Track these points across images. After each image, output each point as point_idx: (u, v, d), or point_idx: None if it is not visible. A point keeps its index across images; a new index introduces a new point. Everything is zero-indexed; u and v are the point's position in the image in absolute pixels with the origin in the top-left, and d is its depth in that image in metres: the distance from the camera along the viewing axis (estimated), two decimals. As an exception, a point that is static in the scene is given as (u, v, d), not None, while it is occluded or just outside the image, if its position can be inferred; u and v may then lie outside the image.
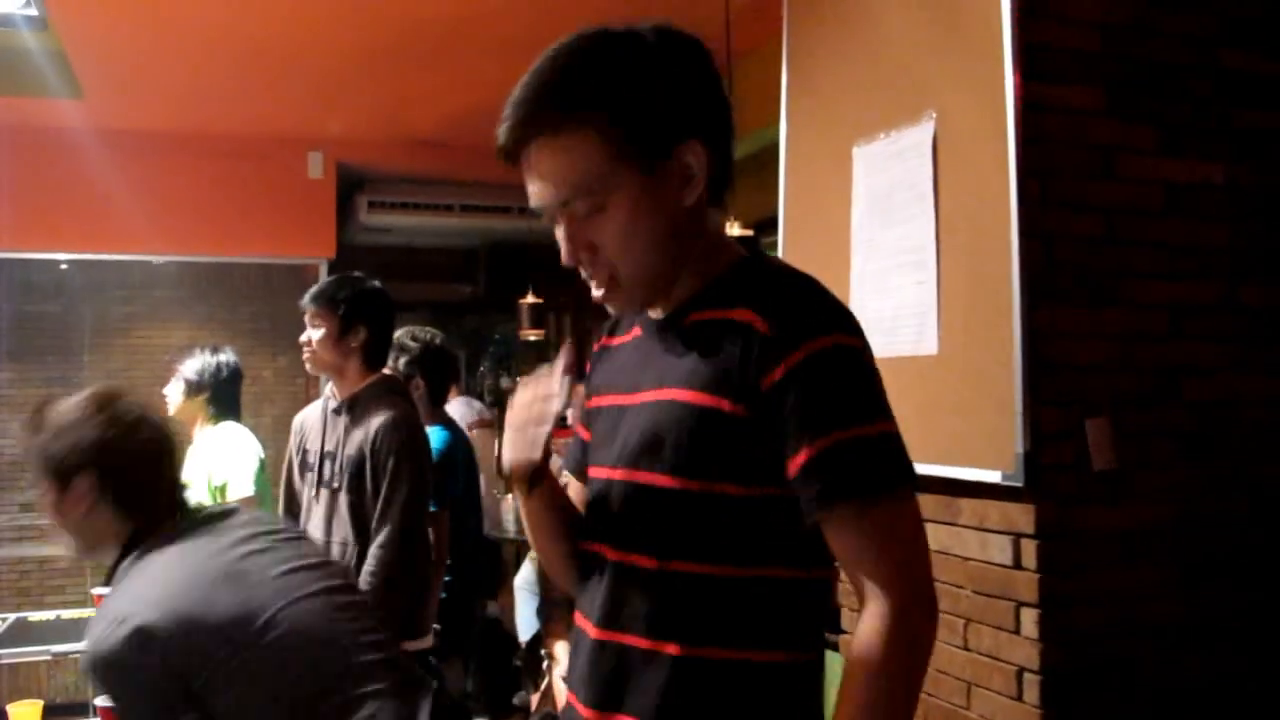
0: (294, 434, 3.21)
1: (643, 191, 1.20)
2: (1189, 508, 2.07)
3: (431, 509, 3.32)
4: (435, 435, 3.52)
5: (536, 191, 1.22)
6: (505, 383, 6.95)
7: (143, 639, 1.53)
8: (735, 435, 1.19)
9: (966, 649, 2.12)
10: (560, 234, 1.24)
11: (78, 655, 3.83)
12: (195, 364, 3.59)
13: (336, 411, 2.99)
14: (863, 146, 2.35)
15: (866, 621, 1.15)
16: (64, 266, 5.38)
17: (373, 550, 2.73)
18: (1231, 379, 2.13)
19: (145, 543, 1.71)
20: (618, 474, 1.28)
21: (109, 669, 1.57)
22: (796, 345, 1.16)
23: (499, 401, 6.38)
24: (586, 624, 1.29)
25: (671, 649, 1.21)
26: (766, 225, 3.21)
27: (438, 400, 3.68)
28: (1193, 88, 2.14)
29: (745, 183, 2.53)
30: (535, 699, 3.62)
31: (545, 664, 3.79)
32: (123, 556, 1.73)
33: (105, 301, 5.53)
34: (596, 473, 1.34)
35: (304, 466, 3.09)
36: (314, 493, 3.00)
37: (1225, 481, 2.11)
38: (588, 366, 1.47)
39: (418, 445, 2.88)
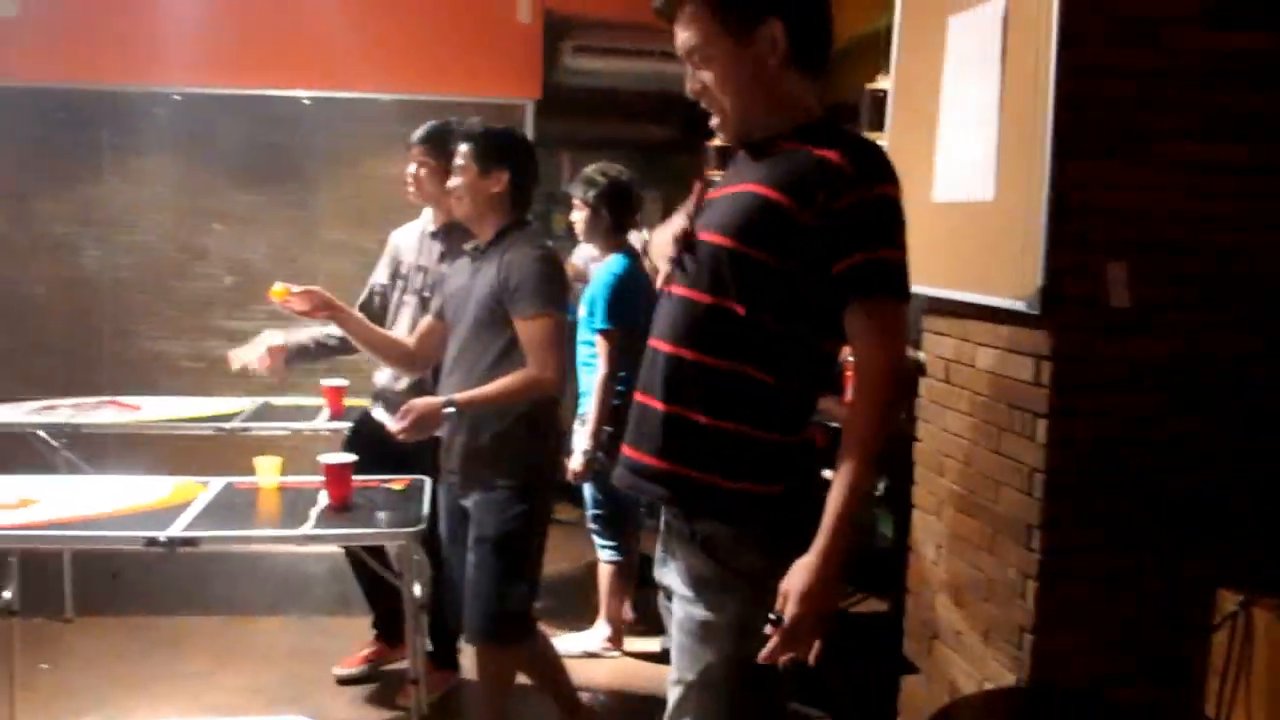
0: (388, 248, 3.99)
1: (734, 52, 1.85)
2: (1204, 346, 2.47)
3: (607, 326, 4.01)
4: (617, 261, 4.17)
5: (678, 43, 1.91)
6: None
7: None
8: (785, 224, 1.81)
9: (997, 453, 2.64)
10: (688, 73, 1.92)
11: (312, 431, 4.81)
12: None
13: (433, 235, 3.79)
14: (956, 17, 2.77)
15: (856, 380, 1.82)
16: (306, 103, 6.28)
17: None
18: (1255, 234, 2.48)
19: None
20: (701, 235, 1.92)
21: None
22: (868, 185, 1.78)
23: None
24: (661, 343, 1.94)
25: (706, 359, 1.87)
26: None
27: (620, 230, 4.29)
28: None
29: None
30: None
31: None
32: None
33: (337, 135, 6.41)
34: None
35: (395, 275, 3.89)
36: (403, 298, 3.82)
37: (1237, 326, 2.49)
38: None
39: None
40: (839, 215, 1.77)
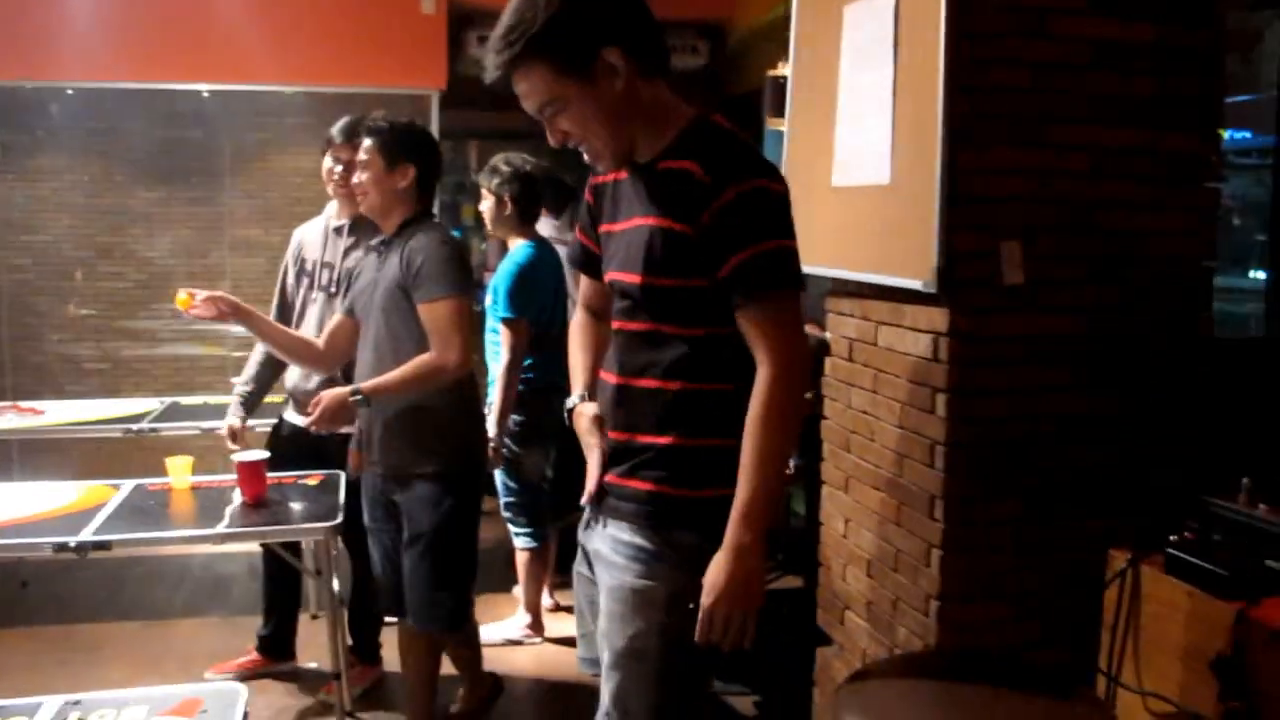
0: (292, 245, 3.96)
1: (582, 92, 1.87)
2: (1095, 322, 2.59)
3: (511, 316, 4.06)
4: (521, 250, 4.23)
5: (526, 105, 1.92)
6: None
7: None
8: (681, 246, 1.90)
9: (901, 428, 2.74)
10: (546, 128, 1.94)
11: (221, 431, 4.77)
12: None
13: (337, 231, 3.79)
14: (850, 7, 2.86)
15: (759, 382, 1.87)
16: (205, 95, 6.21)
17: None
18: (1146, 215, 2.61)
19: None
20: (616, 276, 2.03)
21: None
22: (724, 189, 1.84)
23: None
24: (610, 375, 2.06)
25: (653, 383, 1.97)
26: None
27: (526, 219, 4.33)
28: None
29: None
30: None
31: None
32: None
33: (241, 129, 6.36)
34: (609, 276, 2.08)
35: (301, 272, 3.88)
36: (310, 294, 3.83)
37: (1132, 303, 2.61)
38: (589, 197, 2.19)
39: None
40: (708, 228, 1.85)
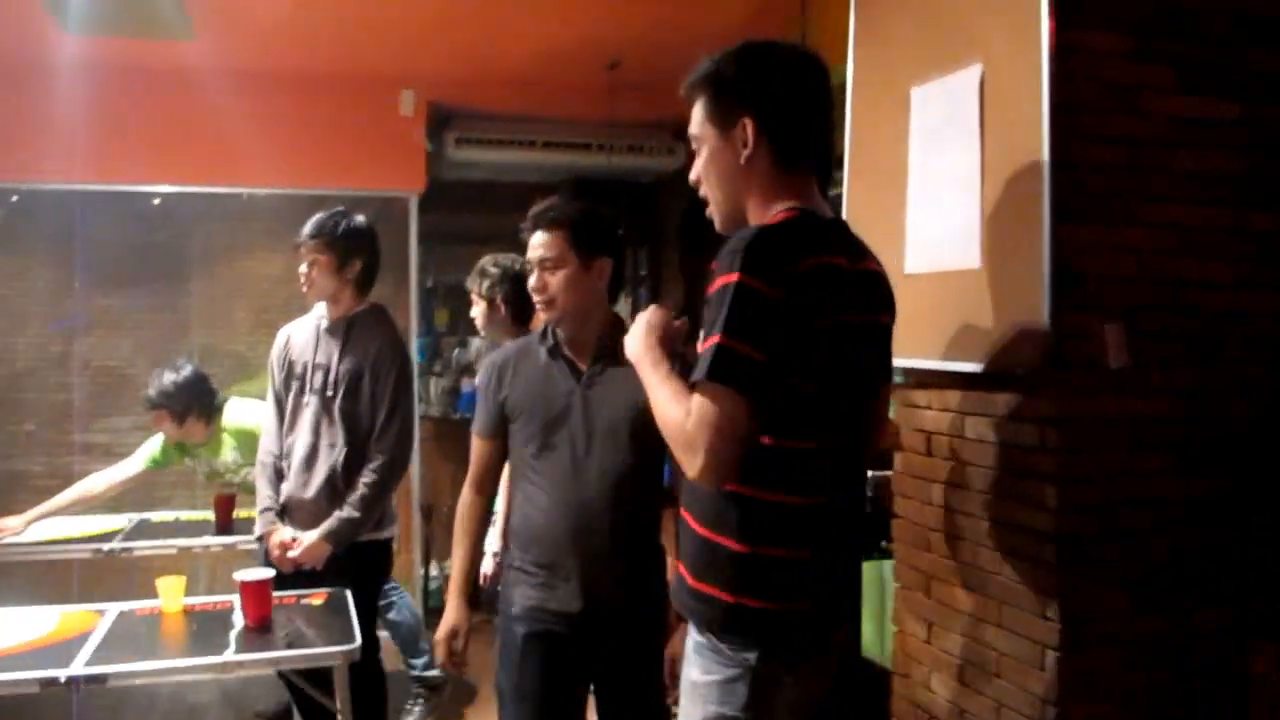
0: (278, 346, 3.84)
1: (716, 145, 2.01)
2: (1194, 405, 2.52)
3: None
4: (519, 350, 4.07)
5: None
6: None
7: None
8: None
9: (999, 522, 2.61)
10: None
11: (200, 549, 4.51)
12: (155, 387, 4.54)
13: (330, 331, 3.73)
14: (919, 87, 2.81)
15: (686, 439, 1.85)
16: (156, 202, 5.96)
17: (377, 453, 3.63)
18: (1238, 295, 2.57)
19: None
20: None
21: None
22: (718, 275, 1.85)
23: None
24: None
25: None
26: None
27: (520, 320, 4.18)
28: (1211, 30, 2.55)
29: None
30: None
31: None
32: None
33: (209, 232, 6.13)
34: None
35: (290, 376, 3.76)
36: (302, 399, 3.71)
37: (1228, 384, 2.56)
38: None
39: (410, 368, 3.84)
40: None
